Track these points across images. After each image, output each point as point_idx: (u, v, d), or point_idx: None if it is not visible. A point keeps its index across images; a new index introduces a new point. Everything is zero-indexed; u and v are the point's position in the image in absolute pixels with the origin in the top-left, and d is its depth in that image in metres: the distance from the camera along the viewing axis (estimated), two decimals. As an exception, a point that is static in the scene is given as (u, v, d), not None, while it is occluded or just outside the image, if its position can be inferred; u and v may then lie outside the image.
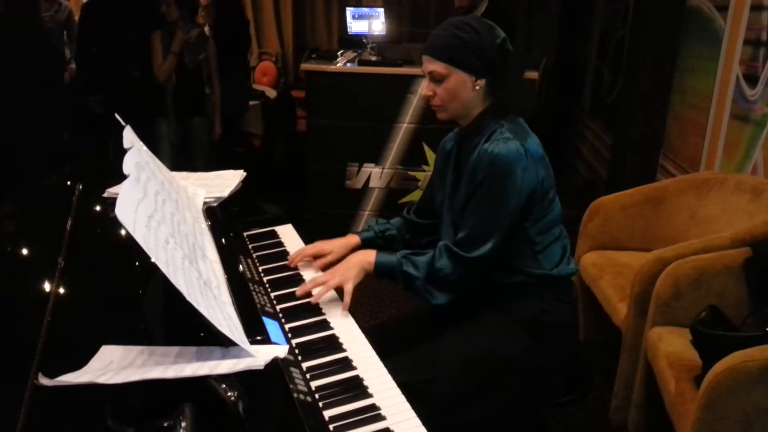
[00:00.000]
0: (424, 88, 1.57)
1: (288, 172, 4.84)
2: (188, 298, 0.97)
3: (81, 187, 1.82)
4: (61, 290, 1.21)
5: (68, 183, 1.89)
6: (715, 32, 2.99)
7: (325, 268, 1.64)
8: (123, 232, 1.43)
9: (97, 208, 1.72)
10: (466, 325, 1.56)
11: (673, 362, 1.90)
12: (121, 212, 0.94)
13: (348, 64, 3.75)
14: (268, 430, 0.96)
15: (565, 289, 1.61)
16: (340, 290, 1.64)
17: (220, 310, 1.10)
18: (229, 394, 0.86)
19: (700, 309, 1.87)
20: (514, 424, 1.63)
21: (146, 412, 0.88)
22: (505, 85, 1.55)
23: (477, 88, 1.52)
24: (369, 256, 1.56)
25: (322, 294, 1.48)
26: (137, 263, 1.33)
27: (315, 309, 1.47)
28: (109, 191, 1.78)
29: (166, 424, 0.79)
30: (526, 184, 1.46)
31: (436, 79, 1.52)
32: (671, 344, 1.97)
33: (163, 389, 0.89)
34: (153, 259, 0.96)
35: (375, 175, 3.78)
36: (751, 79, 2.68)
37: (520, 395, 1.57)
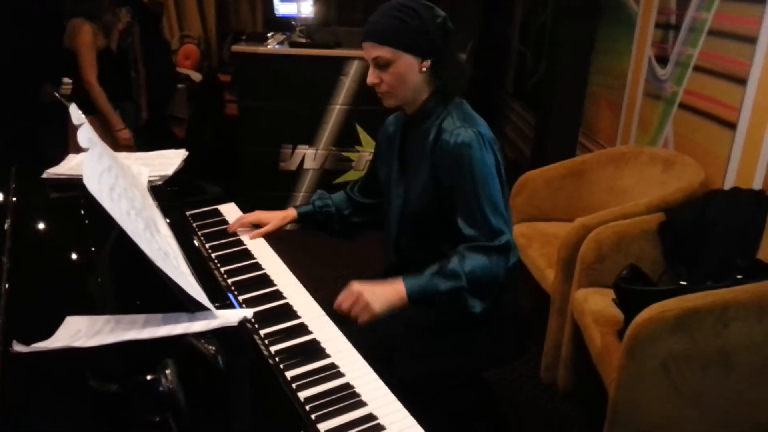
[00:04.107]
0: (369, 75, 1.52)
1: (218, 155, 4.78)
2: (158, 265, 1.00)
3: (15, 170, 1.78)
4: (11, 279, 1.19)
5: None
6: (629, 16, 3.19)
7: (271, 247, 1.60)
8: (69, 210, 1.43)
9: (39, 188, 1.70)
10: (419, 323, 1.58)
11: (598, 319, 2.06)
12: (89, 183, 0.96)
13: (278, 46, 3.75)
14: (245, 383, 1.00)
15: (513, 277, 1.60)
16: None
17: (183, 279, 1.13)
18: (208, 347, 0.91)
19: (621, 270, 2.03)
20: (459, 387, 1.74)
21: (129, 370, 0.90)
22: (448, 66, 1.52)
23: (423, 70, 1.49)
24: (400, 290, 1.44)
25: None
26: (90, 240, 1.34)
27: (267, 281, 1.50)
28: (49, 172, 1.76)
29: (149, 378, 0.82)
30: (490, 164, 1.48)
31: (382, 65, 1.48)
32: (596, 303, 2.13)
33: (141, 350, 0.92)
34: (122, 227, 0.98)
35: (309, 157, 3.81)
36: (662, 60, 2.88)
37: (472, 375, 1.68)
